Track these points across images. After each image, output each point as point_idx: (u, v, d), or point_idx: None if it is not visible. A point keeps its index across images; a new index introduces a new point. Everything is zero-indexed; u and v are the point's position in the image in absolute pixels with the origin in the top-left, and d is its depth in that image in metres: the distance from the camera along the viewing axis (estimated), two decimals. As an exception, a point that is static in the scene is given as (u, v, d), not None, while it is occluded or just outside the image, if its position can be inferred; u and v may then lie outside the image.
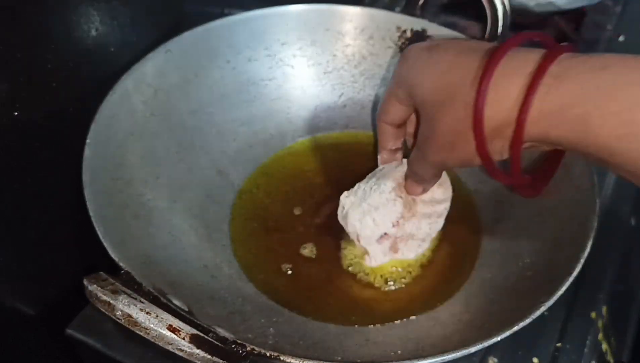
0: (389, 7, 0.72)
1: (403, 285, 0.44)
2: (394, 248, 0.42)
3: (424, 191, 0.40)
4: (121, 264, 0.35)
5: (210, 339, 0.31)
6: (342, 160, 0.54)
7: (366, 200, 0.40)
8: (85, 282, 0.32)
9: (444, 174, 0.42)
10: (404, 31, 0.56)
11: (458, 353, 0.33)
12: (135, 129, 0.46)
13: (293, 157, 0.54)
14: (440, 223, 0.43)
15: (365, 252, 0.43)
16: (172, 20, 0.52)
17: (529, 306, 0.35)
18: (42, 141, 0.42)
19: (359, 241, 0.41)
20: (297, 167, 0.53)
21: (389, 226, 0.40)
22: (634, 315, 0.56)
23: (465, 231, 0.48)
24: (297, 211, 0.49)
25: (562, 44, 0.33)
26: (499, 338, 0.34)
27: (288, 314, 0.42)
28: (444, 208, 0.42)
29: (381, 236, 0.41)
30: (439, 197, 0.41)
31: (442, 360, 0.33)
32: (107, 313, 0.32)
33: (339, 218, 0.43)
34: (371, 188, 0.41)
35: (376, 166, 0.46)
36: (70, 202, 0.45)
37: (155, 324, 0.31)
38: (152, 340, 0.31)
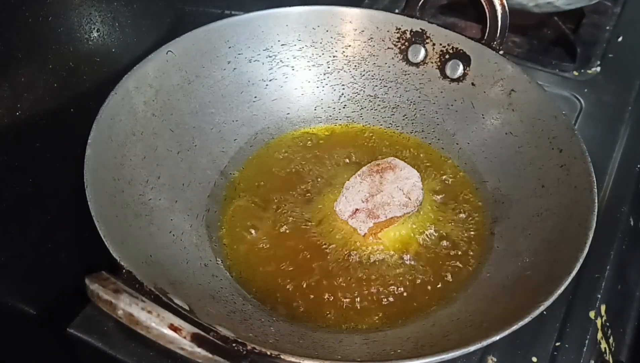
0: (389, 9, 0.72)
1: (403, 286, 0.44)
2: (372, 216, 0.46)
3: None
4: (122, 263, 0.35)
5: (211, 338, 0.31)
6: (342, 156, 0.54)
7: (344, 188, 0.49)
8: (86, 281, 0.32)
9: (402, 163, 0.50)
10: (404, 32, 0.56)
11: (457, 353, 0.33)
12: (136, 130, 0.46)
13: (294, 156, 0.54)
14: (417, 190, 0.47)
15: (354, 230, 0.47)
16: (173, 21, 0.53)
17: (528, 306, 0.36)
18: (43, 141, 0.43)
19: (341, 217, 0.48)
20: (298, 166, 0.53)
21: (358, 202, 0.47)
22: (633, 315, 0.56)
23: (464, 231, 0.48)
24: (298, 211, 0.49)
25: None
26: (498, 338, 0.34)
27: (288, 313, 0.42)
28: (413, 181, 0.48)
29: (353, 212, 0.47)
30: (404, 175, 0.48)
31: (441, 359, 0.33)
32: (108, 312, 0.32)
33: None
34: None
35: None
36: (71, 202, 0.45)
37: (157, 323, 0.31)
38: (153, 339, 0.31)
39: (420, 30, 0.55)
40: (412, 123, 0.56)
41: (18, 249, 0.43)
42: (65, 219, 0.46)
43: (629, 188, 0.56)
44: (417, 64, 0.56)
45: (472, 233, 0.48)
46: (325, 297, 0.43)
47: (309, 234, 0.47)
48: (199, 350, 0.31)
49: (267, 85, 0.55)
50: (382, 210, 0.47)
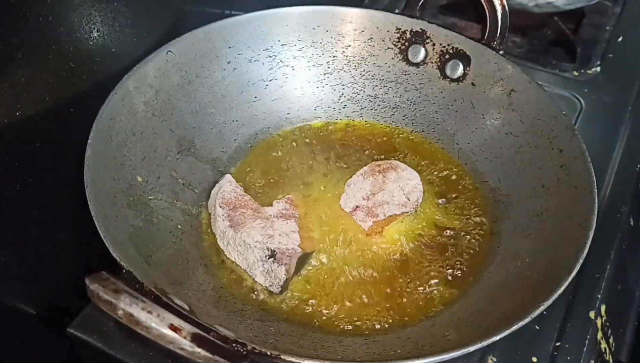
0: (389, 9, 0.72)
1: (403, 285, 0.44)
2: (371, 214, 0.47)
3: None
4: (122, 264, 0.35)
5: (211, 338, 0.31)
6: (341, 154, 0.54)
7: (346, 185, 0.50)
8: (86, 282, 0.32)
9: (403, 164, 0.51)
10: (404, 32, 0.56)
11: (457, 353, 0.33)
12: (136, 130, 0.46)
13: (294, 155, 0.54)
14: (417, 192, 0.48)
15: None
16: (173, 22, 0.53)
17: (528, 306, 0.36)
18: (43, 141, 0.43)
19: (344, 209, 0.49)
20: (298, 165, 0.53)
21: (359, 199, 0.48)
22: (633, 315, 0.56)
23: (465, 231, 0.48)
24: (299, 209, 0.49)
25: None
26: (498, 338, 0.34)
27: (288, 313, 0.42)
28: (415, 183, 0.49)
29: (354, 208, 0.48)
30: (406, 176, 0.49)
31: (441, 359, 0.33)
32: (108, 312, 0.32)
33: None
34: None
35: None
36: (71, 202, 0.45)
37: (157, 323, 0.31)
38: (154, 339, 0.31)
39: (420, 30, 0.55)
40: (412, 123, 0.56)
41: (18, 249, 0.43)
42: (65, 219, 0.46)
43: (629, 188, 0.56)
44: (417, 64, 0.56)
45: (472, 233, 0.48)
46: (326, 296, 0.43)
47: (309, 231, 0.47)
48: (199, 350, 0.31)
49: (267, 85, 0.55)
50: (382, 209, 0.47)
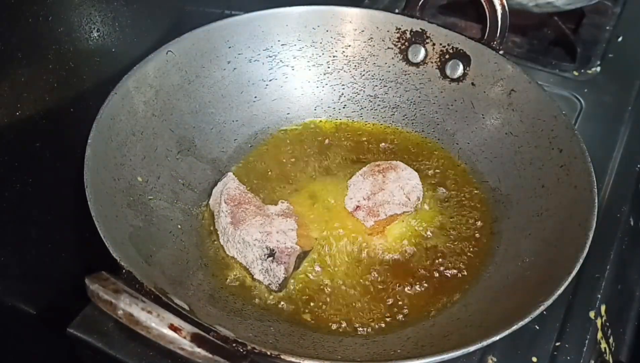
0: (389, 9, 0.72)
1: (403, 285, 0.44)
2: (372, 214, 0.47)
3: None
4: (122, 263, 0.35)
5: (211, 338, 0.31)
6: (342, 154, 0.54)
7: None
8: (86, 282, 0.32)
9: (403, 164, 0.51)
10: (404, 32, 0.56)
11: (457, 353, 0.33)
12: (136, 130, 0.46)
13: (293, 155, 0.54)
14: (417, 192, 0.49)
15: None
16: (173, 21, 0.53)
17: (528, 306, 0.36)
18: (43, 141, 0.43)
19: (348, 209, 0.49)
20: (297, 165, 0.53)
21: (360, 199, 0.48)
22: (633, 315, 0.56)
23: (465, 231, 0.48)
24: (299, 209, 0.49)
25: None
26: (498, 338, 0.34)
27: (288, 313, 0.42)
28: (414, 183, 0.49)
29: (355, 208, 0.48)
30: (405, 176, 0.50)
31: (441, 359, 0.33)
32: (108, 312, 0.32)
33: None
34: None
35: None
36: (71, 202, 0.45)
37: (157, 323, 0.31)
38: (153, 339, 0.31)
39: (420, 30, 0.55)
40: (412, 123, 0.56)
41: (18, 249, 0.43)
42: (65, 219, 0.46)
43: (629, 188, 0.56)
44: (417, 64, 0.56)
45: (472, 233, 0.48)
46: (327, 295, 0.43)
47: (309, 230, 0.47)
48: (199, 350, 0.31)
49: (267, 85, 0.55)
50: (382, 208, 0.47)
